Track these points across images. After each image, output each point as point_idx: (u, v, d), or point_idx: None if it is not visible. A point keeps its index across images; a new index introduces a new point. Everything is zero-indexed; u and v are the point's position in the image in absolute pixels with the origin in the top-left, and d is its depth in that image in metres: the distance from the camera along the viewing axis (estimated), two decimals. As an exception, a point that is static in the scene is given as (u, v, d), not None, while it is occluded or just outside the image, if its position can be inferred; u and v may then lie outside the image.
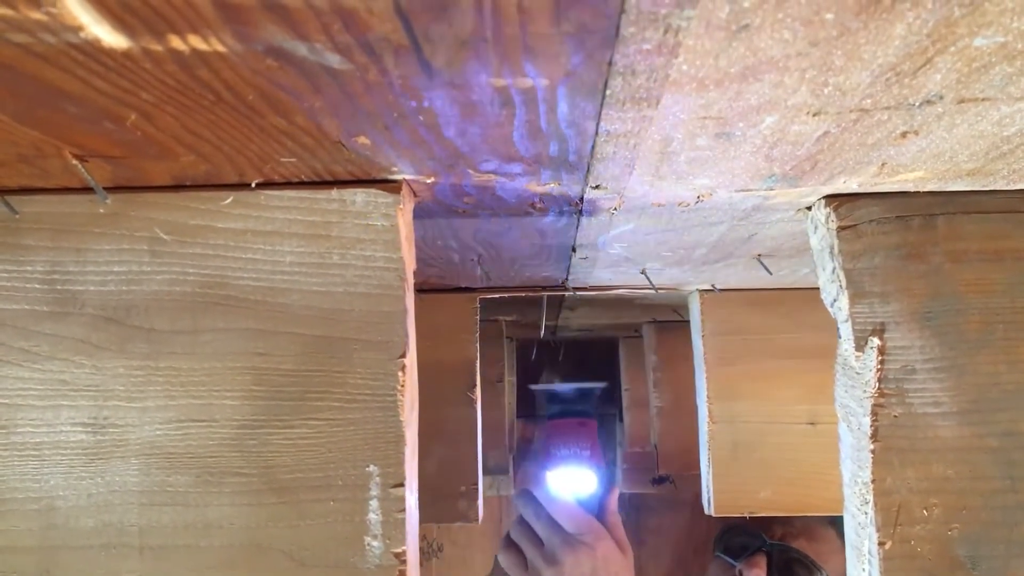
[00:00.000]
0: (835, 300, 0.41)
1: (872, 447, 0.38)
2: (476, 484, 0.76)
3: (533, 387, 1.18)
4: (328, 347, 0.36)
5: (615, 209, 0.43)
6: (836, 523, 1.04)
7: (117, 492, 0.36)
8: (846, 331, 0.40)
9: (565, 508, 0.90)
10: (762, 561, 1.01)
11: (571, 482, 0.97)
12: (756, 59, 0.24)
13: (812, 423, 0.78)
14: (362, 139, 0.31)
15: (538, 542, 0.90)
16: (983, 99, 0.27)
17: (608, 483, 1.01)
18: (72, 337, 0.37)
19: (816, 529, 1.04)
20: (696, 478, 0.82)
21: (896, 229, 0.40)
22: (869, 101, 0.27)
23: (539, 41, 0.22)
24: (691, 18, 0.21)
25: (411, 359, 0.37)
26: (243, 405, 0.36)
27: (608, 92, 0.26)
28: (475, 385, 0.76)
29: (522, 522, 0.92)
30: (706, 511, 0.79)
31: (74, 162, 0.33)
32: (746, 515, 0.78)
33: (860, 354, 0.39)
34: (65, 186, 0.37)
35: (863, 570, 0.39)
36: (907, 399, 0.38)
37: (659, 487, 1.27)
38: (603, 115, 0.28)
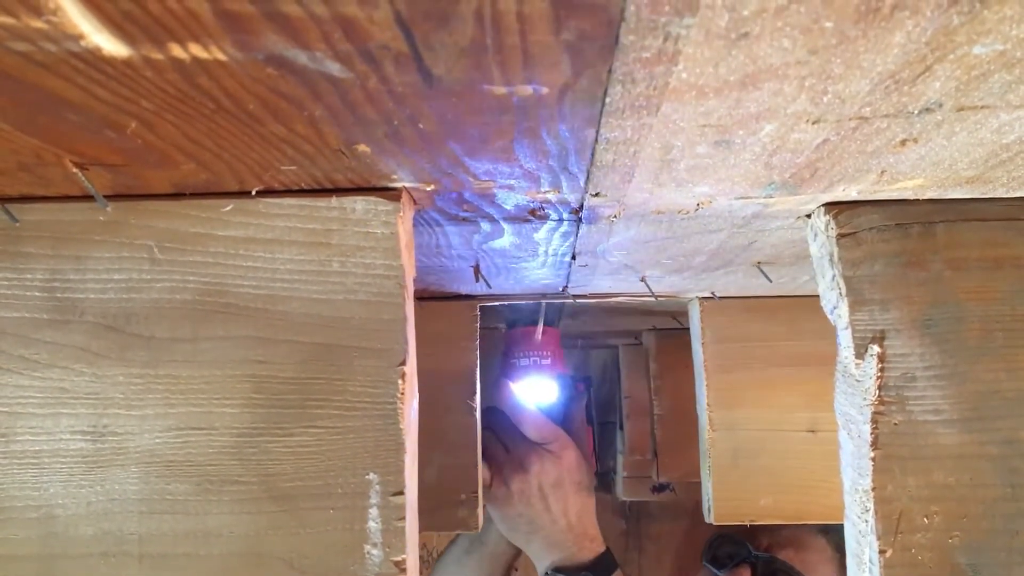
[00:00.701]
0: (835, 307, 0.41)
1: (872, 455, 0.38)
2: (476, 492, 0.76)
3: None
4: (328, 355, 0.36)
5: (615, 216, 0.43)
6: (827, 531, 1.03)
7: (117, 500, 0.36)
8: (846, 338, 0.40)
9: (530, 417, 0.89)
10: (746, 573, 1.01)
11: (533, 392, 0.93)
12: (755, 67, 0.24)
13: (812, 431, 0.78)
14: (362, 147, 0.31)
15: (504, 450, 0.90)
16: (982, 107, 0.27)
17: (576, 393, 0.99)
18: (72, 345, 0.36)
19: (805, 538, 1.03)
20: (696, 486, 0.82)
21: (896, 237, 0.40)
22: (868, 109, 0.27)
23: (539, 49, 0.22)
24: (690, 26, 0.21)
25: (411, 367, 0.37)
26: (243, 413, 0.36)
27: (608, 100, 0.26)
28: (475, 393, 0.76)
29: (488, 432, 0.90)
30: (706, 519, 0.78)
31: (74, 170, 0.33)
32: (747, 523, 0.78)
33: (860, 362, 0.39)
34: (65, 194, 0.37)
35: (864, 578, 0.39)
36: (907, 407, 0.38)
37: (659, 495, 1.27)
38: (603, 123, 0.28)
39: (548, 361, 0.94)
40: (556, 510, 0.88)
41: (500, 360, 0.97)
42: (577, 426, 0.95)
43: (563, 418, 0.94)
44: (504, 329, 0.99)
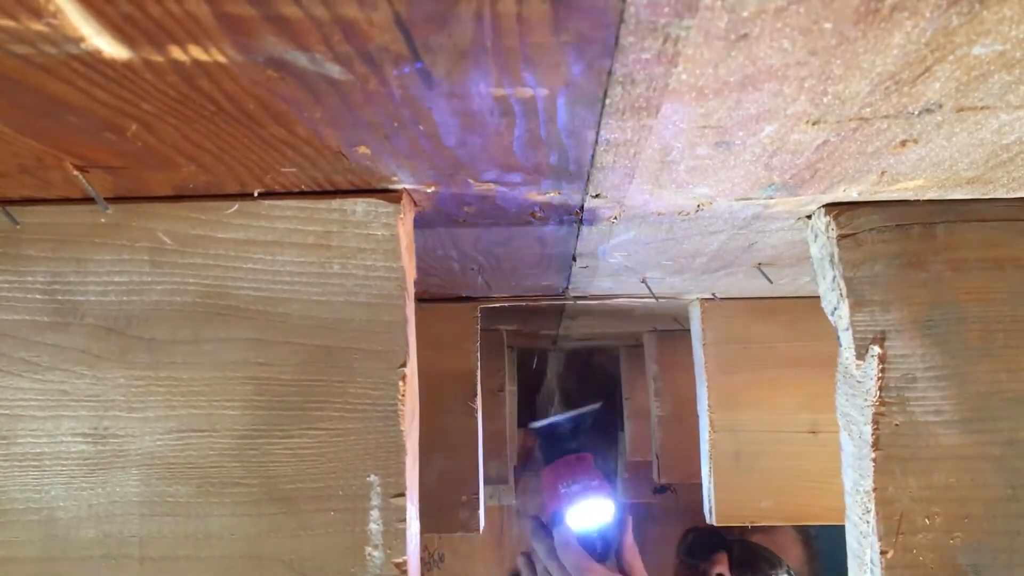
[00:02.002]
0: (836, 308, 0.41)
1: (873, 456, 0.38)
2: (477, 494, 0.76)
3: (533, 425, 1.19)
4: (328, 357, 0.36)
5: (615, 218, 0.43)
6: None
7: (118, 502, 0.36)
8: (847, 339, 0.40)
9: (573, 555, 0.91)
10: (724, 559, 1.02)
11: (591, 515, 0.97)
12: (755, 68, 0.24)
13: (813, 432, 0.78)
14: (362, 149, 0.31)
15: None
16: (982, 107, 0.27)
17: (620, 515, 1.01)
18: (73, 347, 0.37)
19: None
20: (697, 487, 0.82)
21: (896, 238, 0.40)
22: (868, 110, 0.27)
23: (538, 51, 0.22)
24: (690, 28, 0.21)
25: (412, 368, 0.37)
26: (243, 415, 0.36)
27: (607, 101, 0.26)
28: (476, 395, 0.76)
29: (532, 558, 0.93)
30: (707, 520, 0.78)
31: (75, 172, 0.33)
32: (748, 524, 0.78)
33: (861, 362, 0.39)
34: (66, 196, 0.37)
35: (865, 579, 0.39)
36: (908, 407, 0.38)
37: (660, 496, 1.27)
38: (603, 124, 0.28)
39: (596, 482, 0.98)
40: None
41: (547, 498, 1.00)
42: (628, 552, 0.97)
43: (617, 542, 0.96)
44: (541, 468, 1.05)
